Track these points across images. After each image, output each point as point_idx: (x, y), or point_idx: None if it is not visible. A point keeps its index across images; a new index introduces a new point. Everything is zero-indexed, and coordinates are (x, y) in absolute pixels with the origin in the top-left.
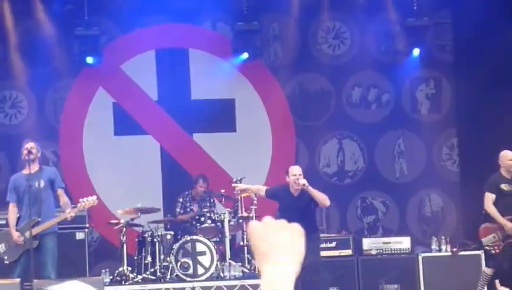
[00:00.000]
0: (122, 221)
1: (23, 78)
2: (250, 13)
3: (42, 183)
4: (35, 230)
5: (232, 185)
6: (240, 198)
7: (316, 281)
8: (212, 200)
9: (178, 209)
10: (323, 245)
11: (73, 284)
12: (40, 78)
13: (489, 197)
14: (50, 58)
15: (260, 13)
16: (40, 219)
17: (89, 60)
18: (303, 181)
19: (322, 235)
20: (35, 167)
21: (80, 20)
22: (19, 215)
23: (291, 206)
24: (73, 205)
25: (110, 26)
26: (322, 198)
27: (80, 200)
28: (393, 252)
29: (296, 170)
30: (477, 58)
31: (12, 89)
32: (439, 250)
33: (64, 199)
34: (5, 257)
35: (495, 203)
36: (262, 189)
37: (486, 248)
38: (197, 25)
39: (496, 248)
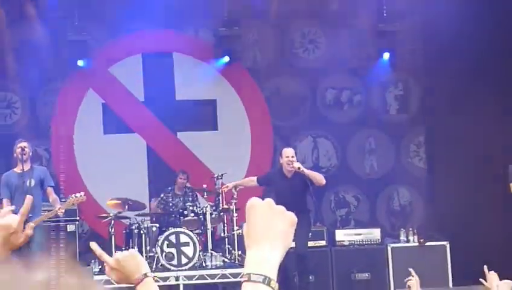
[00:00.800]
0: (110, 214)
1: (17, 80)
2: (231, 19)
3: (33, 182)
4: (29, 226)
5: (223, 187)
6: (221, 192)
7: (301, 270)
8: (194, 194)
9: (158, 200)
10: None
11: None
12: (33, 80)
13: None
14: (42, 61)
15: (240, 19)
16: (31, 215)
17: (80, 63)
18: (297, 165)
19: None
20: (27, 165)
21: (71, 25)
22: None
23: (286, 188)
24: (63, 200)
25: (99, 31)
26: (319, 177)
27: (69, 196)
28: (364, 243)
29: (289, 152)
30: (445, 62)
31: (7, 90)
32: (407, 241)
33: (53, 196)
34: None
35: None
36: (253, 179)
37: None
38: (181, 31)
39: None
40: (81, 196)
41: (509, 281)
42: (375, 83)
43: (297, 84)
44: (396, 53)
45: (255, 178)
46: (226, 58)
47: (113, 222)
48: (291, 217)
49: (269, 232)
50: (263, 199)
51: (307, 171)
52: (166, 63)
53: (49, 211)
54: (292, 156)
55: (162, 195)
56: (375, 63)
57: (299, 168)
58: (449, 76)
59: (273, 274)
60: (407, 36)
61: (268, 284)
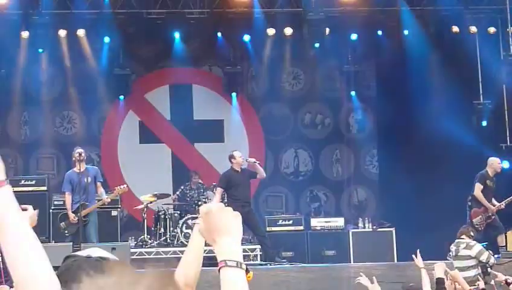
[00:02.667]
0: (143, 204)
1: (76, 102)
2: (235, 60)
3: (89, 179)
4: (85, 211)
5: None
6: None
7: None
8: (206, 189)
9: (177, 193)
10: (283, 222)
11: (94, 249)
12: (87, 103)
13: (479, 187)
14: (95, 89)
15: (242, 60)
16: (88, 203)
17: (121, 98)
18: (253, 159)
19: (282, 216)
20: (83, 166)
21: (117, 62)
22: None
23: (240, 181)
24: (109, 191)
25: (137, 67)
26: (263, 171)
27: (115, 187)
28: (331, 228)
29: (240, 153)
30: (393, 95)
31: (69, 110)
32: (364, 227)
33: (101, 189)
34: (66, 231)
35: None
36: (219, 191)
37: (476, 226)
38: (198, 68)
39: (481, 226)
40: (124, 187)
41: (442, 263)
42: (341, 110)
43: (284, 109)
44: (357, 87)
45: (219, 189)
46: (234, 94)
47: (145, 209)
48: (237, 214)
49: (227, 228)
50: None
51: (258, 165)
52: (187, 91)
53: (99, 201)
54: (242, 157)
55: (181, 187)
56: (342, 95)
57: (255, 161)
58: (396, 104)
59: (241, 258)
60: (365, 75)
61: (240, 267)
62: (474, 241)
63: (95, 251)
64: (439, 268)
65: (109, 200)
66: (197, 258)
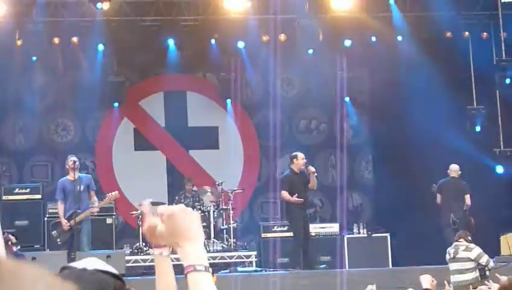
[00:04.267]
0: (138, 211)
1: (71, 110)
2: (230, 67)
3: (82, 187)
4: (78, 219)
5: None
6: (221, 195)
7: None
8: (202, 197)
9: (174, 203)
10: (278, 229)
11: (90, 260)
12: (82, 110)
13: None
14: (90, 97)
15: (236, 67)
16: (80, 211)
17: (115, 105)
18: (313, 169)
19: (278, 222)
20: (76, 174)
21: (111, 70)
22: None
23: (299, 184)
24: (102, 198)
25: (132, 74)
26: (315, 184)
27: (107, 194)
28: (327, 234)
29: (303, 155)
30: (387, 100)
31: (63, 117)
32: (359, 233)
33: (94, 197)
34: (58, 239)
35: None
36: (284, 194)
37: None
38: (192, 75)
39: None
40: (115, 193)
41: (428, 275)
42: (336, 115)
43: (278, 115)
44: (351, 93)
45: (284, 192)
46: (229, 101)
47: (140, 216)
48: (198, 215)
49: (192, 230)
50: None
51: (314, 176)
52: (181, 98)
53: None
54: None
55: (176, 197)
56: (336, 101)
57: (313, 172)
58: (390, 110)
59: (207, 262)
60: (359, 80)
61: (208, 271)
62: (474, 245)
63: (91, 262)
64: (426, 279)
65: (97, 209)
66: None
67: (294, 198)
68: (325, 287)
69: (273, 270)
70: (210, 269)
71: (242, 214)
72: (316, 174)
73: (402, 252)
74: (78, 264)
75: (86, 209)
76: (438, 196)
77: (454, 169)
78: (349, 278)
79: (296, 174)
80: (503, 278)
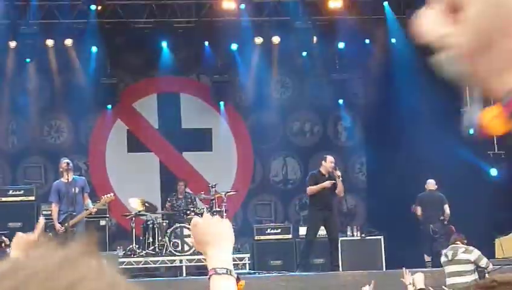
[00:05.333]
0: (132, 213)
1: (63, 111)
2: (223, 69)
3: (77, 190)
4: (73, 221)
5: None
6: (214, 197)
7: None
8: (193, 197)
9: (166, 206)
10: (272, 231)
11: None
12: (75, 112)
13: None
14: (82, 98)
15: (230, 69)
16: (75, 213)
17: (109, 107)
18: (339, 173)
19: (271, 224)
20: (70, 176)
21: (104, 72)
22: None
23: (319, 183)
24: (97, 201)
25: (125, 76)
26: (341, 189)
27: (102, 196)
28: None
29: (332, 159)
30: (380, 102)
31: (56, 119)
32: (352, 235)
33: (87, 200)
34: None
35: None
36: (309, 188)
37: None
38: (186, 77)
39: None
40: (111, 195)
41: (421, 273)
42: (330, 118)
43: (272, 118)
44: (345, 95)
45: (308, 189)
46: (222, 103)
47: (134, 218)
48: (226, 222)
49: (214, 238)
50: None
51: (340, 181)
52: (175, 100)
53: (86, 210)
54: (334, 162)
55: (168, 199)
56: (330, 103)
57: (339, 176)
58: (384, 112)
59: (231, 266)
60: (353, 83)
61: (230, 274)
62: (472, 247)
63: None
64: (419, 278)
65: (95, 209)
66: None
67: (320, 184)
68: (319, 289)
69: (267, 273)
70: (234, 273)
71: (235, 216)
72: (340, 178)
73: (395, 254)
74: None
75: (81, 211)
76: (418, 209)
77: (431, 183)
78: (343, 281)
79: (322, 175)
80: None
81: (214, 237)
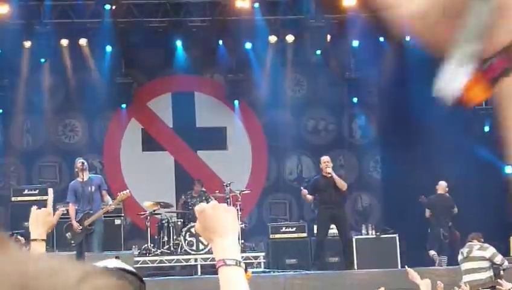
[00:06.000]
0: (147, 212)
1: (78, 111)
2: (237, 67)
3: (93, 188)
4: (90, 220)
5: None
6: (229, 196)
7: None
8: (208, 196)
9: (181, 204)
10: (287, 229)
11: (110, 261)
12: (90, 111)
13: None
14: (97, 97)
15: (244, 67)
16: (92, 212)
17: (123, 106)
18: (329, 170)
19: (286, 223)
20: (86, 175)
21: (119, 71)
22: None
23: (325, 184)
24: (113, 199)
25: (139, 75)
26: (340, 184)
27: (118, 193)
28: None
29: (324, 159)
30: (395, 100)
31: (71, 118)
32: (367, 234)
33: (107, 197)
34: (72, 241)
35: None
36: (308, 197)
37: None
38: (200, 76)
39: None
40: (127, 192)
41: (428, 280)
42: (344, 116)
43: (286, 115)
44: (359, 94)
45: (308, 196)
46: (236, 102)
47: (148, 217)
48: (233, 210)
49: (222, 225)
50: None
51: (335, 178)
52: (189, 99)
53: (103, 207)
54: (328, 161)
55: (183, 197)
56: (344, 101)
57: (329, 173)
58: (398, 110)
59: (239, 256)
60: (367, 81)
61: (239, 265)
62: (488, 244)
63: (111, 262)
64: (425, 285)
65: (113, 207)
66: None
67: (307, 196)
68: (334, 288)
69: (282, 272)
70: (242, 264)
71: (250, 215)
72: (330, 175)
73: (411, 253)
74: (98, 264)
75: (98, 209)
76: (427, 211)
77: (442, 186)
78: (358, 279)
79: (323, 177)
80: (505, 283)
81: (221, 225)
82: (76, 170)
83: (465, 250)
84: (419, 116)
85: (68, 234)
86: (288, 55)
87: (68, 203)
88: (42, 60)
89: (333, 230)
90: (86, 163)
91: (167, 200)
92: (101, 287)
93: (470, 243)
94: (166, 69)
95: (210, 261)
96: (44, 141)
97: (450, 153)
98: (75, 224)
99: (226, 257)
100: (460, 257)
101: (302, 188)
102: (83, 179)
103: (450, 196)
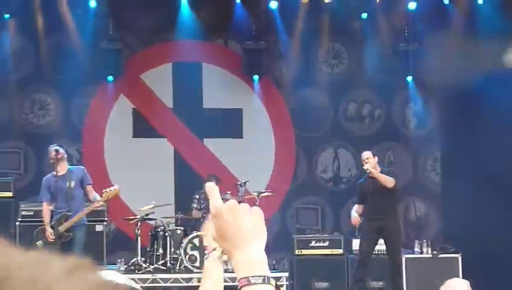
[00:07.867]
0: (137, 216)
1: (51, 83)
2: (258, 33)
3: (73, 183)
4: (67, 224)
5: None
6: (243, 199)
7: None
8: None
9: (194, 205)
10: (317, 244)
11: (112, 273)
12: (66, 84)
13: None
14: (77, 67)
15: (267, 34)
16: (70, 214)
17: (110, 78)
18: (366, 166)
19: (317, 235)
20: (64, 167)
21: (105, 34)
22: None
23: (367, 187)
24: (99, 199)
25: (131, 40)
26: (383, 180)
27: (104, 190)
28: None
29: (364, 154)
30: (462, 83)
31: (41, 92)
32: (421, 252)
33: (92, 194)
34: None
35: None
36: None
37: None
38: (210, 42)
39: None
40: (115, 188)
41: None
42: (395, 99)
43: (321, 98)
44: (416, 71)
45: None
46: (256, 77)
47: (139, 223)
48: (257, 212)
49: (243, 231)
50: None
51: (376, 174)
52: (196, 72)
53: (87, 207)
54: (367, 158)
55: (197, 196)
56: (396, 80)
57: (367, 169)
58: (465, 94)
59: (268, 271)
60: (427, 55)
61: (269, 282)
62: None
63: (107, 275)
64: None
65: (100, 204)
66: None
67: (355, 217)
68: None
69: None
70: (272, 280)
71: (271, 223)
72: (368, 171)
73: (477, 277)
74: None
75: (79, 210)
76: None
77: None
78: None
79: (368, 178)
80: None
81: (243, 229)
82: (51, 161)
83: None
84: (493, 103)
85: (39, 243)
86: (324, 19)
87: (41, 202)
88: (6, 15)
89: (380, 246)
90: (61, 150)
91: (164, 201)
92: (89, 281)
93: None
94: (167, 32)
95: (226, 281)
96: (6, 121)
97: None
98: (49, 231)
99: (251, 274)
100: None
101: (354, 207)
102: (57, 171)
103: None
